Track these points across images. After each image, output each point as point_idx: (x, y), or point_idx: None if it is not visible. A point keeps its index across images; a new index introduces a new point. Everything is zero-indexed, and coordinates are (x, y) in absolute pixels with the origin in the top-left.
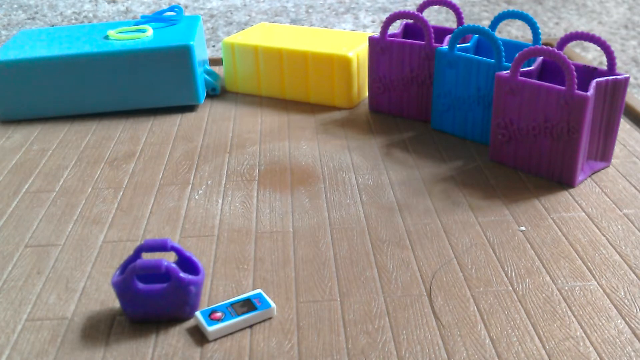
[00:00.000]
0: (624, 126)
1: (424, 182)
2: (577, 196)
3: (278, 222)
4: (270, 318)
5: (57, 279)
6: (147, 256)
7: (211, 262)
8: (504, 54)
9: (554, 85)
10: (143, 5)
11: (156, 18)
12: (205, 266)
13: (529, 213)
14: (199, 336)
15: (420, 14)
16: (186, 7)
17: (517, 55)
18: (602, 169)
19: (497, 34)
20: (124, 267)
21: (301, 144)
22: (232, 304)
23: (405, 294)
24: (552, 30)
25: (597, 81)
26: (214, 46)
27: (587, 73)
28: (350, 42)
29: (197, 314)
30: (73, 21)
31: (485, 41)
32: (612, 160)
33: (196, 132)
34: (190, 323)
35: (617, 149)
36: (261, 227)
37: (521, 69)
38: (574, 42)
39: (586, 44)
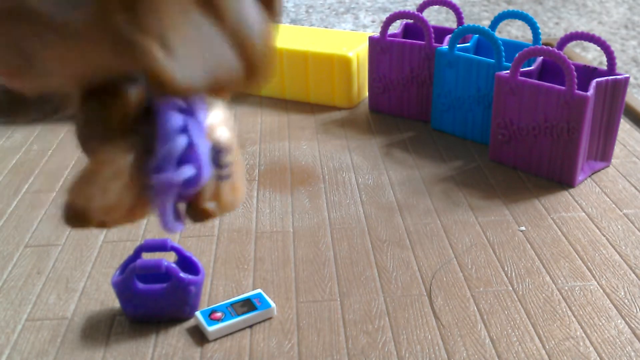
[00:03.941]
0: (624, 126)
1: (424, 182)
2: (577, 196)
3: (278, 222)
4: (270, 318)
5: (57, 279)
6: (147, 256)
7: (211, 262)
8: (504, 54)
9: (554, 85)
10: None
11: None
12: (205, 266)
13: (529, 213)
14: (199, 336)
15: (420, 14)
16: None
17: (517, 55)
18: (602, 169)
19: (497, 34)
20: (124, 267)
21: (301, 144)
22: (232, 304)
23: (405, 294)
24: (552, 30)
25: (597, 81)
26: None
27: (587, 73)
28: (350, 42)
29: (197, 314)
30: None
31: (485, 41)
32: (612, 160)
33: None
34: (190, 323)
35: (617, 149)
36: (261, 227)
37: (521, 69)
38: (574, 42)
39: (586, 44)
